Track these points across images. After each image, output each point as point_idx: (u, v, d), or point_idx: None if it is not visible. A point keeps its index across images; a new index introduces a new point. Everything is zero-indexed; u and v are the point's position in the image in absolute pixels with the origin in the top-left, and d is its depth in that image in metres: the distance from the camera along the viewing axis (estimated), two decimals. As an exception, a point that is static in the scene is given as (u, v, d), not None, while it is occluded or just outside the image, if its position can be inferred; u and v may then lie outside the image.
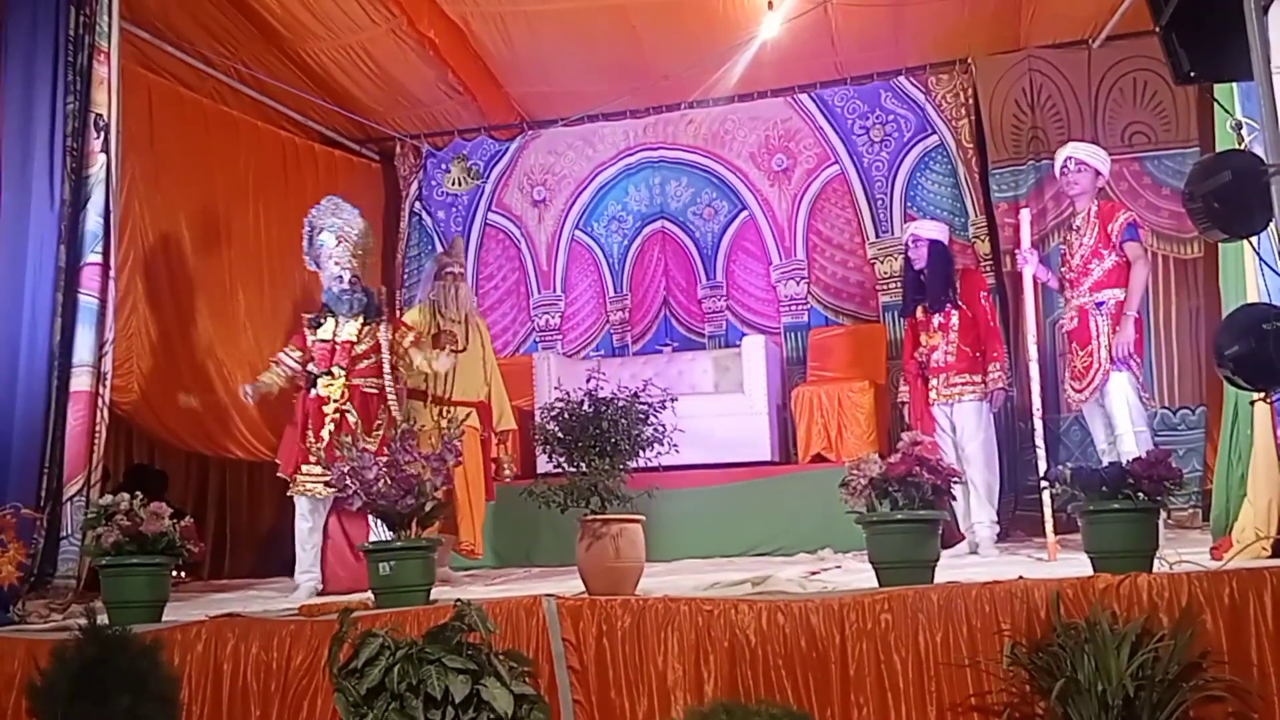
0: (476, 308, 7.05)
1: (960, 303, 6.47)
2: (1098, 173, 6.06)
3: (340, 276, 6.25)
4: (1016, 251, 6.51)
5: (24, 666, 4.37)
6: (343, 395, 6.12)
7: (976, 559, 6.06)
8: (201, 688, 4.31)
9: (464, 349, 6.66)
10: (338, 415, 6.09)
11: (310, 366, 6.19)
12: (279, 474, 6.17)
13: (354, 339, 6.19)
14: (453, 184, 8.78)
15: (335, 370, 6.15)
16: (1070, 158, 6.10)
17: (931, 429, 6.33)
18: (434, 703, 3.69)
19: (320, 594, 5.97)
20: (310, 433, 6.07)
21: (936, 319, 6.50)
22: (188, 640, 4.39)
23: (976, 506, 6.31)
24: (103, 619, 4.23)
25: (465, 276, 6.99)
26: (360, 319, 6.23)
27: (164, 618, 4.72)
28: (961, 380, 6.41)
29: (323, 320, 6.24)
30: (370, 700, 3.72)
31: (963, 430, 6.38)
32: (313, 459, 5.99)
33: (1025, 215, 6.33)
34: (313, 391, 6.15)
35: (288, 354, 6.29)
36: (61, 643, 4.05)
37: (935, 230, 6.72)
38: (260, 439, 7.70)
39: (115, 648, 3.93)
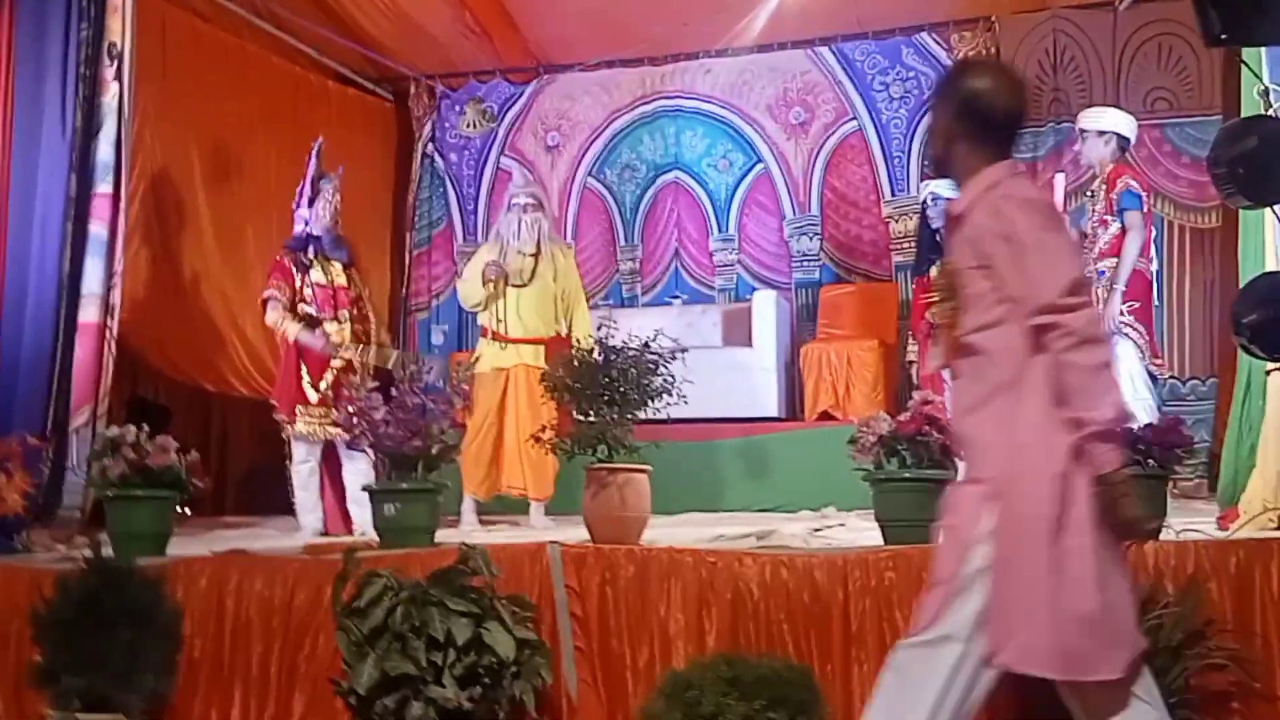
0: (552, 237, 6.61)
1: None
2: (1100, 134, 5.90)
3: (337, 222, 6.23)
4: None
5: (28, 595, 4.37)
6: (350, 341, 6.12)
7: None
8: (204, 622, 4.32)
9: (525, 284, 6.36)
10: (345, 364, 6.05)
11: (306, 308, 6.10)
12: (275, 415, 6.14)
13: (346, 285, 6.18)
14: (467, 126, 8.71)
15: (342, 316, 6.11)
16: (1079, 127, 6.03)
17: (941, 390, 6.29)
18: (436, 644, 3.70)
19: (323, 535, 5.98)
20: (308, 375, 6.04)
21: None
22: (191, 574, 4.40)
23: None
24: (107, 551, 4.26)
25: (540, 206, 6.58)
26: (343, 265, 6.22)
27: (168, 552, 4.73)
28: None
29: (310, 263, 6.13)
30: (372, 640, 3.74)
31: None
32: (313, 401, 5.97)
33: (1059, 180, 6.25)
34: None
35: (281, 292, 6.06)
36: (66, 573, 4.08)
37: (953, 189, 6.65)
38: (265, 375, 7.70)
39: (119, 579, 3.97)
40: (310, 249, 6.14)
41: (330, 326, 6.07)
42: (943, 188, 6.67)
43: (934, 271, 6.56)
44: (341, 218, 6.34)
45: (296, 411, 6.00)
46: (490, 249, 6.52)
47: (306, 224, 6.21)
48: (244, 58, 8.02)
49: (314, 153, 6.36)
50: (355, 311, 6.21)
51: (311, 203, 6.22)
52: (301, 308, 6.08)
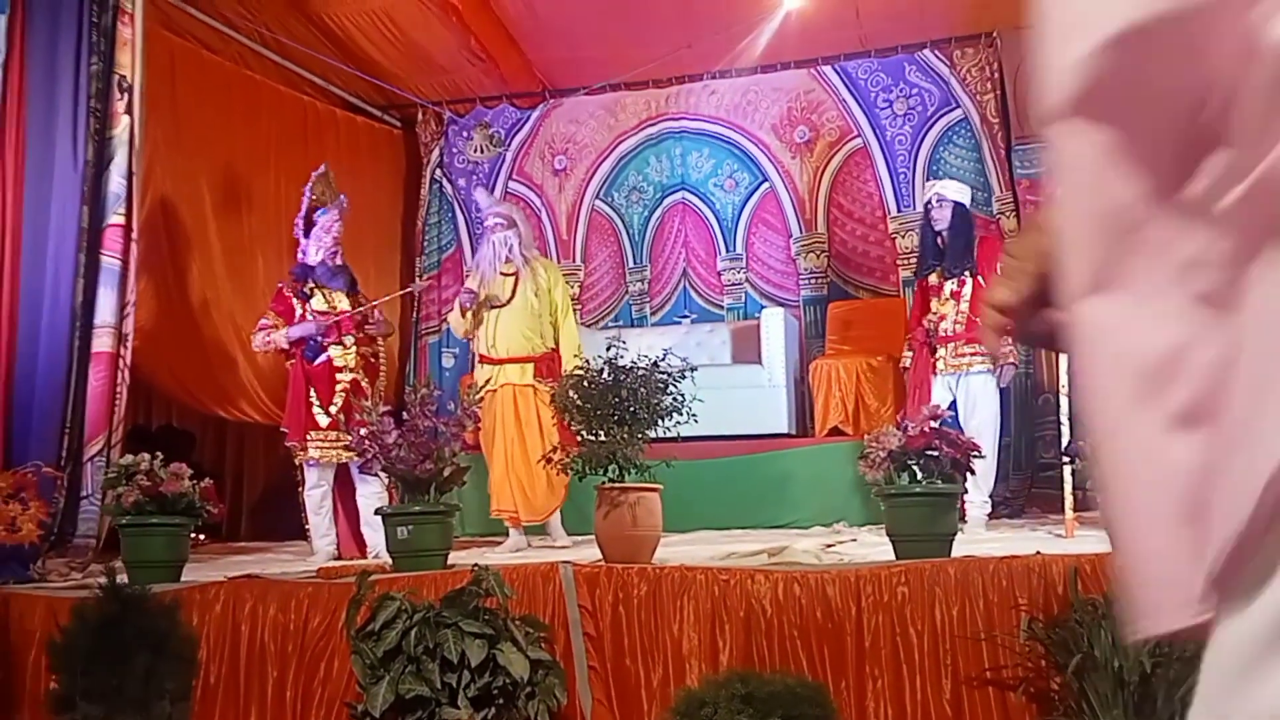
0: (530, 253, 6.47)
1: (977, 271, 6.37)
2: None
3: (335, 252, 6.26)
4: None
5: (44, 624, 4.41)
6: (355, 364, 6.15)
7: (994, 534, 6.04)
8: (219, 647, 4.35)
9: (504, 304, 6.29)
10: (351, 383, 6.09)
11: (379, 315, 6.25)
12: (286, 443, 6.17)
13: (350, 309, 6.22)
14: (475, 151, 8.76)
15: (346, 340, 6.14)
16: None
17: (927, 399, 6.25)
18: (450, 666, 3.72)
19: (336, 558, 6.00)
20: (317, 400, 6.06)
21: (949, 286, 6.38)
22: (206, 600, 4.42)
23: (970, 484, 5.93)
24: (122, 578, 4.28)
25: (511, 224, 6.47)
26: (346, 291, 6.26)
27: (183, 578, 4.76)
28: (970, 350, 6.31)
29: (310, 291, 6.18)
30: (387, 662, 3.76)
31: (969, 403, 6.27)
32: (324, 425, 5.99)
33: None
34: (316, 359, 6.10)
35: (270, 324, 6.14)
36: (82, 601, 4.10)
37: (960, 192, 6.56)
38: (278, 403, 7.74)
39: (135, 606, 3.98)
40: (309, 278, 6.21)
41: (335, 350, 6.11)
42: (948, 189, 6.60)
43: (933, 277, 6.51)
44: (343, 246, 6.35)
45: (307, 437, 6.04)
46: (473, 278, 6.52)
47: (304, 254, 6.28)
48: (252, 88, 8.09)
49: (309, 184, 6.41)
50: (360, 334, 6.25)
51: (309, 233, 6.28)
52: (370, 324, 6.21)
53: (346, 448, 5.73)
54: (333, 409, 6.02)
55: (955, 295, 6.35)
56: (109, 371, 5.72)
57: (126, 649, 3.91)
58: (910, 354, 6.61)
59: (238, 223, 7.82)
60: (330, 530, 6.12)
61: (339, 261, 6.29)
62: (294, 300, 6.18)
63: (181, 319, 7.29)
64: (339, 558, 6.01)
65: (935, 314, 6.40)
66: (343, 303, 6.23)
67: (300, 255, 6.34)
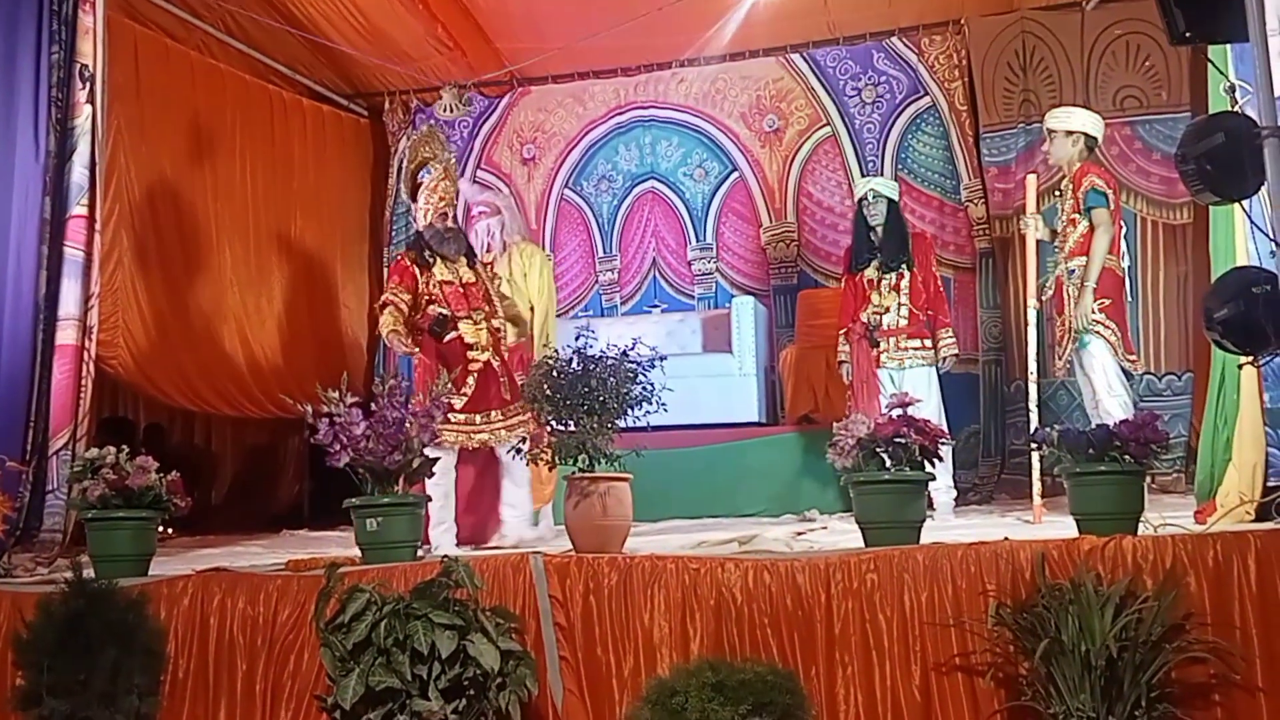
0: (515, 240, 6.27)
1: (914, 265, 6.44)
2: (1068, 134, 5.97)
3: (445, 214, 5.73)
4: (1021, 217, 6.42)
5: (10, 619, 4.37)
6: (487, 342, 5.66)
7: (963, 521, 6.08)
8: (187, 641, 4.31)
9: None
10: (484, 364, 5.61)
11: (439, 309, 5.61)
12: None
13: (474, 280, 5.74)
14: (444, 110, 8.61)
15: (475, 315, 5.65)
16: (1046, 128, 6.09)
17: (876, 391, 6.31)
18: (420, 658, 3.70)
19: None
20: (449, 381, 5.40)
21: (889, 279, 6.45)
22: (174, 594, 4.39)
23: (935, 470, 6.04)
24: (89, 572, 4.24)
25: (493, 211, 6.30)
26: (464, 259, 5.77)
27: (150, 572, 4.72)
28: (913, 345, 6.40)
29: (430, 260, 5.66)
30: (357, 655, 3.74)
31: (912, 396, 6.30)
32: (458, 407, 5.44)
33: (1031, 181, 6.28)
34: (446, 336, 5.60)
35: (398, 296, 5.58)
36: (47, 596, 4.07)
37: (892, 189, 6.72)
38: (244, 393, 7.71)
39: (101, 601, 3.96)
40: (422, 245, 5.72)
41: (465, 326, 5.62)
42: (882, 186, 6.70)
43: (870, 270, 6.54)
44: (453, 208, 5.82)
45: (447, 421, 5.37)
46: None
47: (414, 219, 5.91)
48: (217, 77, 8.01)
49: (408, 146, 6.08)
50: (489, 308, 5.74)
51: (414, 197, 5.84)
52: (434, 308, 5.62)
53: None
54: (466, 390, 5.51)
55: (895, 289, 6.41)
56: (74, 364, 5.66)
57: (93, 644, 3.88)
58: (846, 348, 6.61)
59: (203, 212, 7.74)
60: (451, 527, 5.55)
61: (449, 224, 5.74)
62: (415, 270, 5.62)
63: (147, 309, 7.18)
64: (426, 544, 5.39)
65: (879, 307, 6.43)
66: (467, 273, 5.71)
67: (412, 221, 5.93)
